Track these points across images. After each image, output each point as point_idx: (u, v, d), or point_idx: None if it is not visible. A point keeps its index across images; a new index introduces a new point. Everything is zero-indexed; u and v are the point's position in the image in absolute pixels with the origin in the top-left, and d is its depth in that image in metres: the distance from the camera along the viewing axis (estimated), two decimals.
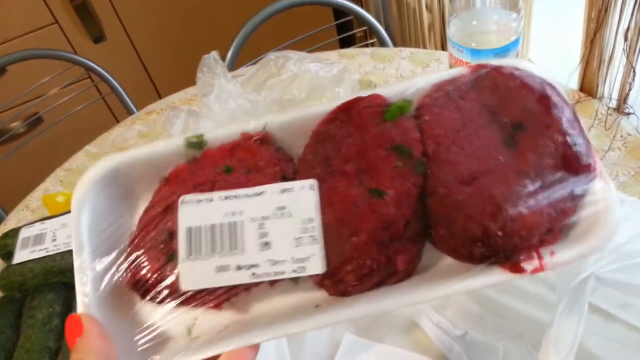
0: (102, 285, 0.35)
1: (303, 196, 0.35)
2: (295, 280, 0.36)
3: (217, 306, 0.35)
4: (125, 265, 0.35)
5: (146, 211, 0.37)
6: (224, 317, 0.36)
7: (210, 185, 0.36)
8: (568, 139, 0.34)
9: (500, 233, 0.33)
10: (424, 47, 1.36)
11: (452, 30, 0.74)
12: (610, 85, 0.78)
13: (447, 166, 0.35)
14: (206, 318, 0.36)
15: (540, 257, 0.33)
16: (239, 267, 0.34)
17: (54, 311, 0.60)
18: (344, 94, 0.79)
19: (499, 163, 0.34)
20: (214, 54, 0.79)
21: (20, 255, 0.62)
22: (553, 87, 0.37)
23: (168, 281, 0.34)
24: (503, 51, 0.71)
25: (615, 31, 0.73)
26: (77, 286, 0.34)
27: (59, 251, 0.62)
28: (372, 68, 0.98)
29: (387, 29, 1.26)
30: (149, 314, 0.36)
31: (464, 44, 0.72)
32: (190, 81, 0.78)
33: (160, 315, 0.35)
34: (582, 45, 0.79)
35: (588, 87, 0.81)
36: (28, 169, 1.33)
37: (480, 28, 0.73)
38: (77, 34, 1.61)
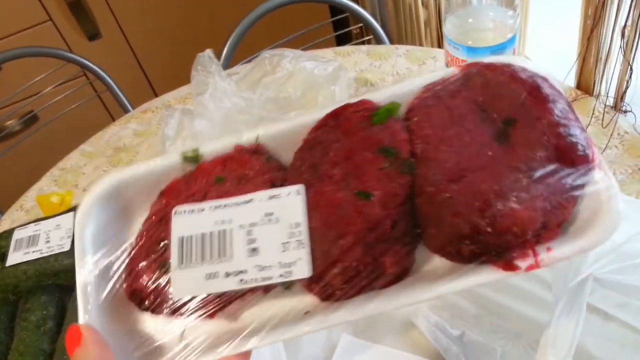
0: (103, 296, 0.36)
1: (290, 202, 0.35)
2: (288, 287, 0.36)
3: (211, 314, 0.35)
4: (124, 276, 0.37)
5: (143, 223, 0.38)
6: (218, 324, 0.36)
7: (202, 196, 0.37)
8: (561, 130, 0.33)
9: (489, 229, 0.32)
10: (420, 44, 1.35)
11: (448, 28, 0.74)
12: (607, 83, 0.77)
13: (435, 165, 0.34)
14: (200, 326, 0.36)
15: (535, 254, 0.32)
16: (228, 274, 0.34)
17: (48, 313, 0.60)
18: (340, 92, 0.79)
19: (489, 159, 0.33)
20: (209, 52, 0.78)
21: (14, 257, 0.62)
22: (545, 79, 0.36)
23: (162, 290, 0.35)
24: (499, 49, 0.71)
25: (612, 28, 0.73)
26: (78, 297, 0.35)
27: (53, 253, 0.61)
28: (368, 66, 0.98)
29: (383, 26, 1.26)
30: (146, 322, 0.37)
31: (460, 42, 0.72)
32: (186, 79, 0.77)
33: (156, 324, 0.36)
34: (578, 42, 0.79)
35: (585, 85, 0.81)
36: (23, 168, 1.33)
37: (476, 25, 0.73)
38: (72, 31, 1.60)
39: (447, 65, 0.77)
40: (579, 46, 0.79)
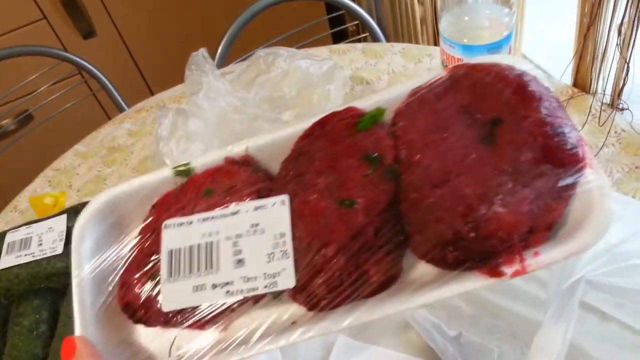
0: (97, 308, 0.37)
1: (275, 212, 0.35)
2: (276, 296, 0.36)
3: (201, 325, 0.35)
4: (117, 288, 0.38)
5: (136, 237, 0.39)
6: (208, 335, 0.37)
7: (191, 209, 0.37)
8: (548, 129, 0.32)
9: (472, 235, 0.31)
10: (416, 41, 1.35)
11: (443, 26, 0.73)
12: (604, 81, 0.77)
13: (419, 170, 0.34)
14: (191, 336, 0.36)
15: (522, 259, 0.31)
16: (214, 286, 0.34)
17: (41, 317, 0.59)
18: (335, 91, 0.79)
19: (474, 162, 0.32)
20: (202, 51, 0.77)
21: (6, 261, 0.61)
22: (532, 77, 0.35)
23: (153, 302, 0.36)
24: (495, 47, 0.70)
25: (608, 26, 0.72)
26: (74, 309, 0.37)
27: (45, 256, 0.61)
28: (363, 64, 0.97)
29: (379, 23, 1.26)
30: (139, 333, 0.38)
31: (455, 40, 0.71)
32: (182, 77, 0.77)
33: (148, 335, 0.37)
34: (575, 40, 0.79)
35: (581, 83, 0.81)
36: (18, 168, 1.32)
37: (472, 23, 0.72)
38: (66, 29, 1.59)
39: (442, 64, 0.77)
40: (575, 44, 0.79)
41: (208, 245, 0.35)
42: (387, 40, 1.21)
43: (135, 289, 0.36)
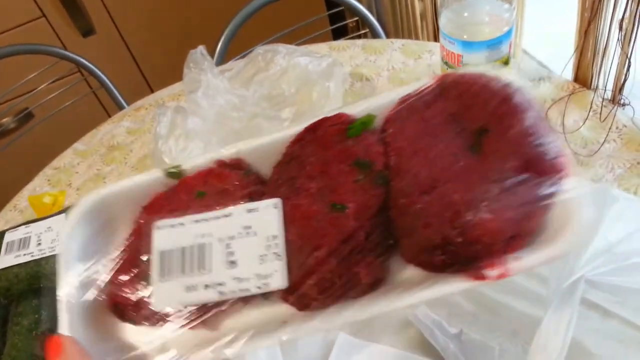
0: (85, 307, 0.37)
1: (267, 215, 0.36)
2: (267, 297, 0.37)
3: (192, 324, 0.36)
4: (106, 288, 0.38)
5: (126, 238, 0.39)
6: (198, 334, 0.37)
7: (183, 211, 0.38)
8: (532, 139, 0.34)
9: (459, 239, 0.32)
10: (416, 37, 1.35)
11: (443, 22, 0.73)
12: (605, 76, 0.77)
13: (408, 176, 0.35)
14: (181, 335, 0.37)
15: (505, 263, 0.33)
16: (207, 286, 0.35)
17: (40, 317, 0.59)
18: (335, 88, 0.78)
19: (461, 169, 0.34)
20: (201, 48, 0.77)
21: (5, 260, 0.61)
22: (517, 89, 0.36)
23: (143, 303, 0.36)
24: (495, 43, 0.70)
25: (609, 21, 0.72)
26: (60, 308, 0.36)
27: (44, 255, 0.60)
28: (363, 60, 0.97)
29: (379, 19, 1.25)
30: (128, 333, 0.38)
31: (455, 36, 0.71)
32: (181, 75, 0.77)
33: (137, 335, 0.37)
34: (576, 35, 0.78)
35: (583, 78, 0.80)
36: (18, 167, 1.32)
37: (472, 19, 0.72)
38: (66, 27, 1.59)
39: (442, 60, 0.77)
40: (576, 39, 0.78)
41: (200, 246, 0.36)
42: (387, 36, 1.21)
43: (125, 289, 0.36)
